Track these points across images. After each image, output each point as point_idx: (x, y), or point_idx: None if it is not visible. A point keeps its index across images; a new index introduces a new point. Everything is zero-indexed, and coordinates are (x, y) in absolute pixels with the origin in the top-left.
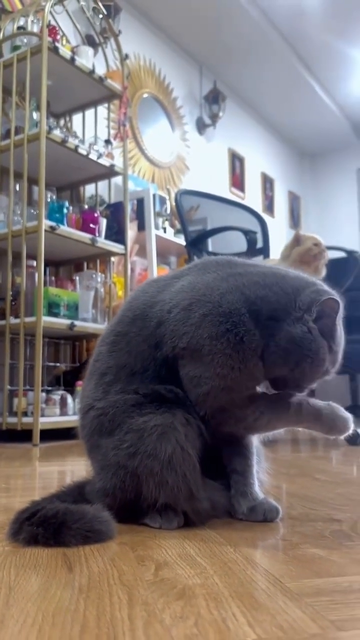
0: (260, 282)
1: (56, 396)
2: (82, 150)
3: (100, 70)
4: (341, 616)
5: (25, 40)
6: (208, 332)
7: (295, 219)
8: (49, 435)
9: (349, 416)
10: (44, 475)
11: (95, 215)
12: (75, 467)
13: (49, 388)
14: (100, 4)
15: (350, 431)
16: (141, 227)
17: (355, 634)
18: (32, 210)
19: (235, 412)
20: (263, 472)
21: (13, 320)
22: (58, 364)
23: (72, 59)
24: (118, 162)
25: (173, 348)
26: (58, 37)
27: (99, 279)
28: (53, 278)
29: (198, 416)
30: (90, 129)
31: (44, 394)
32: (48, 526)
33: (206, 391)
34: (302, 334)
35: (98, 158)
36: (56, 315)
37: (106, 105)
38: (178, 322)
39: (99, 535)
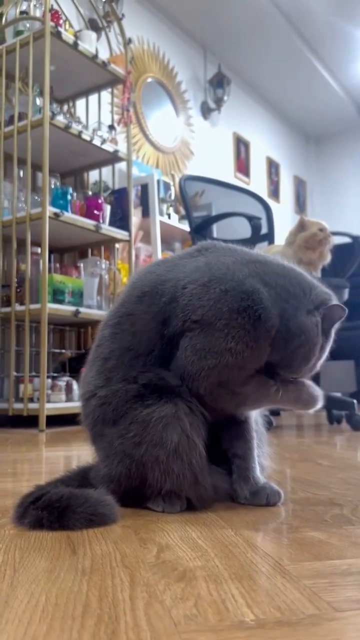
0: (280, 272)
1: (62, 382)
2: (86, 136)
3: (104, 55)
4: (338, 598)
5: (27, 25)
6: (228, 306)
7: (300, 204)
8: (55, 421)
9: (320, 393)
10: (50, 460)
11: (99, 201)
12: (81, 452)
13: (55, 374)
14: None
15: (319, 406)
16: (145, 213)
17: (351, 615)
18: (36, 197)
19: (234, 389)
20: (265, 456)
21: (18, 307)
22: (63, 351)
23: (75, 44)
24: (122, 148)
25: (184, 322)
26: (61, 21)
27: (103, 266)
28: (57, 265)
29: (200, 403)
30: (94, 114)
31: (49, 380)
32: (52, 510)
33: (212, 365)
34: (311, 325)
35: (102, 144)
36: (61, 302)
37: (110, 90)
38: (194, 296)
39: (102, 519)
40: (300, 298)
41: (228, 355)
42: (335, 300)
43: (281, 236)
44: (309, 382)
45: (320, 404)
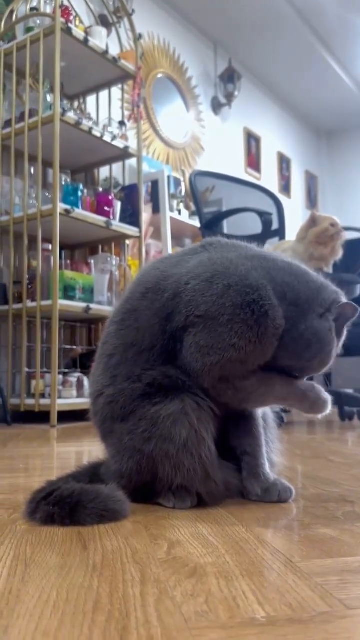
0: (287, 269)
1: (73, 378)
2: (96, 132)
3: (114, 51)
4: (350, 595)
5: (38, 22)
6: (232, 301)
7: (312, 200)
8: (66, 416)
9: (328, 398)
10: (62, 456)
11: (110, 197)
12: (92, 448)
13: (66, 370)
14: None
15: (328, 411)
16: (156, 209)
17: None
18: (47, 194)
19: (236, 383)
20: (276, 453)
21: (30, 304)
22: (74, 347)
23: (86, 40)
24: (132, 144)
25: (187, 317)
26: (71, 17)
27: (114, 262)
28: (68, 261)
29: (209, 399)
30: (104, 110)
31: (60, 376)
32: (64, 505)
33: (215, 361)
34: (325, 331)
35: (112, 140)
36: (72, 298)
37: (120, 86)
38: (197, 292)
39: (113, 515)
40: (309, 301)
41: (232, 351)
42: (345, 299)
43: (292, 232)
44: (317, 385)
45: (329, 409)
